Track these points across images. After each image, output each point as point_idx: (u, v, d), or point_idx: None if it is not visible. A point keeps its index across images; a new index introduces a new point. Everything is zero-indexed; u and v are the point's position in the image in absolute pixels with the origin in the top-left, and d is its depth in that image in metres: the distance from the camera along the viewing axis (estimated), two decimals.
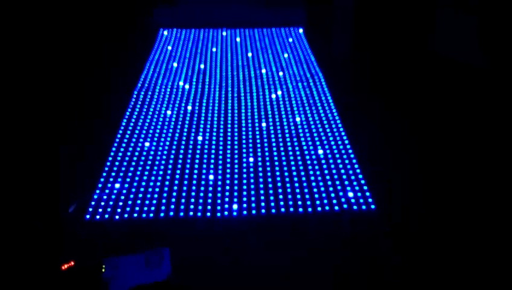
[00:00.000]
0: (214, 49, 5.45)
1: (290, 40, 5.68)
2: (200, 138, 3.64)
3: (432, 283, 2.54)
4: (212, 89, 4.54)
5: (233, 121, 4.01)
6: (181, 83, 4.62)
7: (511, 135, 3.84)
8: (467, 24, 4.90)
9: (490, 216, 3.01)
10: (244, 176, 3.31)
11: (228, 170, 3.38)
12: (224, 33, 5.87)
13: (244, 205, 3.04)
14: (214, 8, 6.22)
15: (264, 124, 3.94)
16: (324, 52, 5.34)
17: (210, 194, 3.14)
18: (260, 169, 3.38)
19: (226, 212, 2.99)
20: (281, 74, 4.82)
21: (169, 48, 5.46)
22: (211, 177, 3.30)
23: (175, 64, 4.91)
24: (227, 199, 3.10)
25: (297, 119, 3.93)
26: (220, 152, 3.58)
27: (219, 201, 3.08)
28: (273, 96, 4.39)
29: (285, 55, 5.24)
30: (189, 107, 4.09)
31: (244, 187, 3.20)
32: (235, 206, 3.03)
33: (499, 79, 4.62)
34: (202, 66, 5.03)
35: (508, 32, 4.53)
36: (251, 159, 3.49)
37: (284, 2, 6.24)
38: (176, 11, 6.16)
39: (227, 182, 3.26)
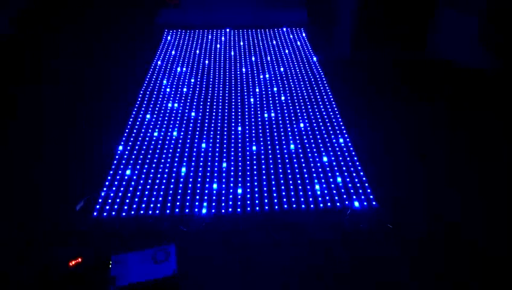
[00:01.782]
0: (218, 45, 5.53)
1: (292, 38, 5.72)
2: (204, 144, 3.69)
3: (431, 279, 2.59)
4: (215, 88, 4.59)
5: (237, 119, 4.06)
6: (190, 77, 4.69)
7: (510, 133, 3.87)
8: (466, 24, 4.89)
9: (489, 214, 3.05)
10: (248, 173, 3.37)
11: (232, 168, 3.43)
12: (228, 30, 5.92)
13: (248, 202, 3.10)
14: (217, 9, 6.28)
15: (267, 123, 4.00)
16: (326, 52, 5.36)
17: (215, 192, 3.20)
18: (264, 167, 3.44)
19: (230, 209, 3.05)
20: (283, 73, 4.87)
21: (174, 49, 5.51)
22: (216, 175, 3.37)
23: (179, 69, 4.95)
24: (231, 196, 3.15)
25: (301, 123, 3.95)
26: (224, 151, 3.64)
27: (224, 198, 3.14)
28: (277, 100, 4.42)
29: (287, 53, 5.29)
30: (193, 114, 4.13)
31: (248, 185, 3.26)
32: (239, 203, 3.10)
33: (500, 78, 4.62)
34: (207, 62, 5.13)
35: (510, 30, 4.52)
36: (254, 152, 3.57)
37: (286, 3, 6.27)
38: (180, 13, 6.22)
39: (232, 179, 3.32)
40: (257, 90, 4.54)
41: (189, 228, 2.91)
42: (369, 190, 3.19)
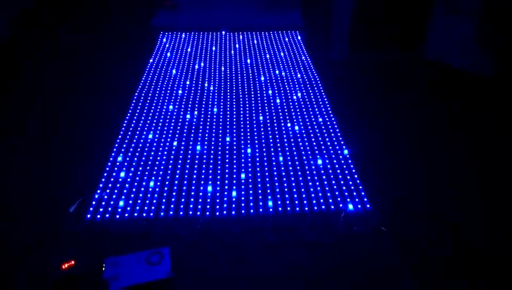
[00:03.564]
0: (214, 48, 5.54)
1: (287, 41, 5.75)
2: (199, 146, 3.68)
3: (431, 280, 2.60)
4: (211, 90, 4.60)
5: (232, 121, 4.07)
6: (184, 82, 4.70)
7: (510, 135, 3.89)
8: (464, 25, 4.93)
9: (489, 214, 3.07)
10: (243, 176, 3.37)
11: (227, 170, 3.43)
12: (224, 32, 5.93)
13: (243, 204, 3.10)
14: (213, 12, 6.30)
15: (261, 125, 4.01)
16: (322, 55, 5.39)
17: (209, 194, 3.19)
18: (258, 169, 3.44)
19: (224, 212, 3.05)
20: (278, 75, 4.89)
21: (169, 51, 5.52)
22: (210, 177, 3.37)
23: (174, 71, 4.96)
24: (225, 199, 3.15)
25: (296, 126, 3.96)
26: (219, 154, 3.63)
27: (218, 200, 3.14)
28: (272, 102, 4.43)
29: (283, 56, 5.31)
30: (188, 116, 4.13)
31: (243, 187, 3.26)
32: (234, 205, 3.09)
33: (498, 79, 4.65)
34: (202, 64, 5.14)
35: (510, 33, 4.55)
36: (249, 155, 3.57)
37: (282, 6, 6.30)
38: (176, 16, 6.24)
39: (226, 182, 3.31)
40: (252, 93, 4.54)
41: (184, 231, 2.90)
42: (363, 193, 3.19)
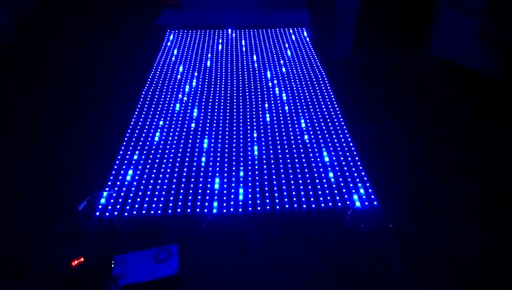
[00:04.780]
0: (220, 47, 5.55)
1: (294, 38, 5.74)
2: (206, 144, 3.70)
3: (432, 280, 2.60)
4: (217, 88, 4.61)
5: (239, 118, 4.08)
6: (188, 81, 4.72)
7: (511, 134, 3.87)
8: (467, 24, 4.89)
9: (490, 214, 3.05)
10: (250, 173, 3.38)
11: (233, 168, 3.45)
12: (230, 30, 5.94)
13: (250, 202, 3.11)
14: (218, 10, 6.31)
15: (268, 123, 4.02)
16: (327, 52, 5.38)
17: (216, 191, 3.21)
18: (265, 167, 3.44)
19: (232, 209, 3.06)
20: (285, 73, 4.89)
21: (176, 49, 5.54)
22: (217, 175, 3.38)
23: (181, 69, 4.97)
24: (233, 196, 3.16)
25: (302, 124, 3.96)
26: (226, 151, 3.65)
27: (225, 198, 3.15)
28: (278, 100, 4.43)
29: (289, 55, 5.30)
30: (195, 114, 4.15)
31: (249, 185, 3.27)
32: (240, 203, 3.11)
33: (500, 78, 4.62)
34: (209, 62, 5.15)
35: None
36: (256, 152, 3.57)
37: (287, 3, 6.30)
38: (181, 14, 6.26)
39: (233, 179, 3.33)
40: (259, 90, 4.55)
41: (191, 229, 2.92)
42: (370, 190, 3.19)
